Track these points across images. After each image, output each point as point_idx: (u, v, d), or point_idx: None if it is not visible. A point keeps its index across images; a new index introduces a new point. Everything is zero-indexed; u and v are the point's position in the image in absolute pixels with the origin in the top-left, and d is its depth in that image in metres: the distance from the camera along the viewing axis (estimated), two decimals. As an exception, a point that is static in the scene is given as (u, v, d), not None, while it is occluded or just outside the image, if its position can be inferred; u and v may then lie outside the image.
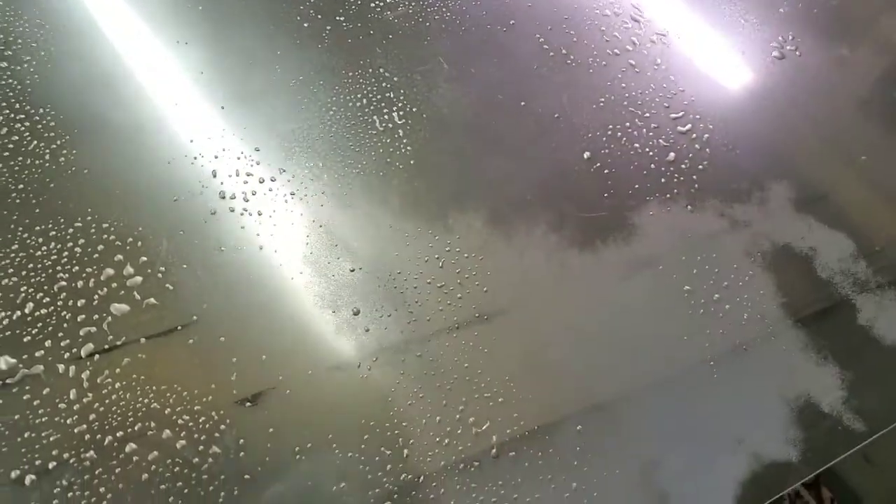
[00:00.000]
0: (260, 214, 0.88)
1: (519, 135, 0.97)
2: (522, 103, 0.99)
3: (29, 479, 0.73)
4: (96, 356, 0.79)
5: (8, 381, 0.77)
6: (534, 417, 0.81)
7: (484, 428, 0.80)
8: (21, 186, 0.86)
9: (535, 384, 0.83)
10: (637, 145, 0.98)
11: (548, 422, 0.82)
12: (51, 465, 0.74)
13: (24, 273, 0.82)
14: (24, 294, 0.81)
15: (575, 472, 0.80)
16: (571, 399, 0.83)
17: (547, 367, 0.84)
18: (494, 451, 0.80)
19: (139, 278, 0.83)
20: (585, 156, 0.97)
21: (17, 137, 0.89)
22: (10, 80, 0.90)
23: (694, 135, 1.00)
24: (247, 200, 0.88)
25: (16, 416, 0.76)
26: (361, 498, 0.76)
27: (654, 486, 0.80)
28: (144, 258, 0.84)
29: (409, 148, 0.94)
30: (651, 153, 0.98)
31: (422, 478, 0.78)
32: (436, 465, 0.78)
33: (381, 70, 0.98)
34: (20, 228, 0.84)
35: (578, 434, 0.82)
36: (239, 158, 0.90)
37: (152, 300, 0.83)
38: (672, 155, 0.98)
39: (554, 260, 0.90)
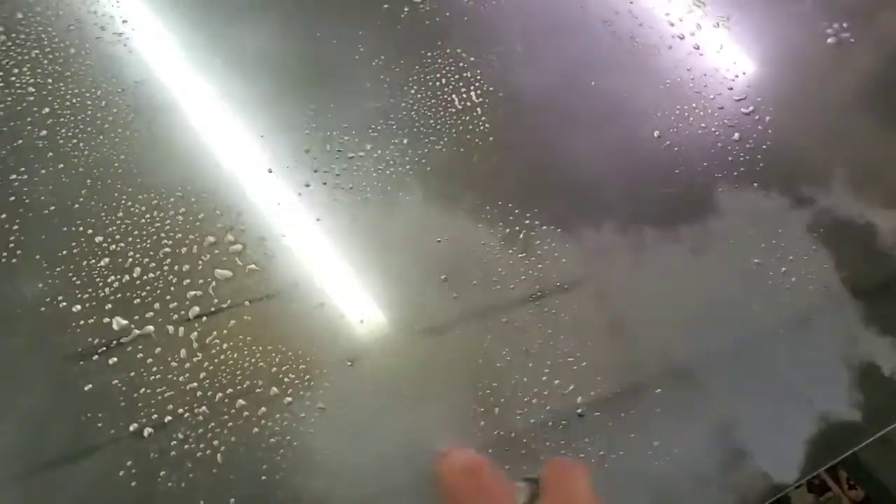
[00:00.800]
0: (351, 188, 0.92)
1: (591, 113, 1.01)
2: (593, 83, 1.03)
3: (147, 431, 0.78)
4: (203, 318, 0.84)
5: (122, 340, 0.81)
6: (616, 381, 0.86)
7: (569, 390, 0.85)
8: (123, 157, 0.90)
9: (616, 350, 0.88)
10: (703, 125, 1.03)
11: (629, 385, 0.86)
12: (166, 419, 0.79)
13: (129, 239, 0.86)
14: (131, 259, 0.85)
15: (655, 431, 0.85)
16: (651, 364, 0.88)
17: (626, 334, 0.89)
18: (580, 410, 0.84)
19: (239, 246, 0.88)
20: (655, 134, 1.01)
21: (116, 110, 0.93)
22: (107, 54, 0.94)
23: (757, 116, 1.04)
24: (338, 175, 0.93)
25: (131, 374, 0.80)
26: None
27: (731, 444, 0.85)
28: (243, 227, 0.89)
29: (487, 125, 0.98)
30: (717, 132, 1.03)
31: (513, 433, 0.82)
32: (526, 423, 0.83)
33: (459, 51, 1.02)
34: (124, 197, 0.88)
35: (658, 396, 0.86)
36: (328, 134, 0.94)
37: (253, 266, 0.87)
38: (737, 135, 1.03)
39: (629, 232, 0.95)
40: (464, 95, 0.99)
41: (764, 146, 1.02)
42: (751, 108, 1.04)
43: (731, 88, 1.06)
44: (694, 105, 1.03)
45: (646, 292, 0.91)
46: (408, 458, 0.80)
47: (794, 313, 0.93)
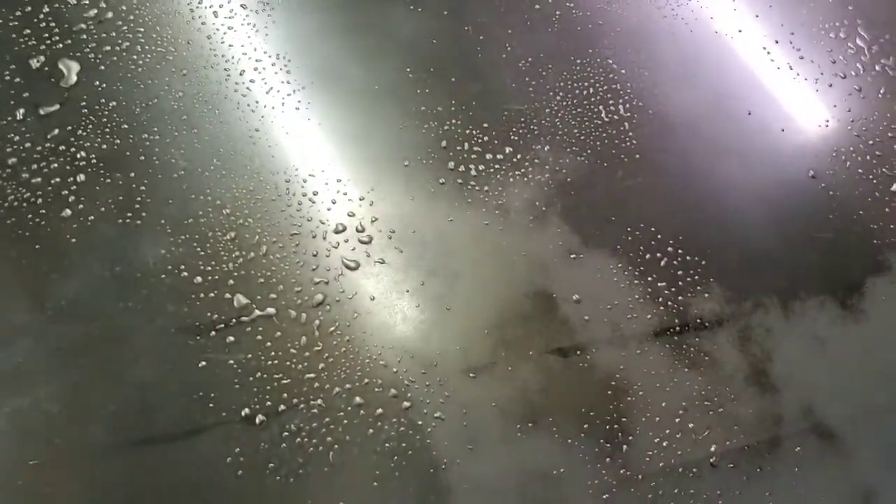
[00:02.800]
0: (486, 190, 0.87)
1: (744, 144, 0.95)
2: (749, 113, 0.97)
3: (259, 418, 0.74)
4: (328, 307, 0.79)
5: (242, 318, 0.77)
6: (754, 433, 0.80)
7: (704, 435, 0.79)
8: (258, 131, 0.87)
9: (757, 399, 0.81)
10: (861, 171, 0.96)
11: (768, 439, 0.80)
12: (280, 408, 0.75)
13: (258, 216, 0.83)
14: (258, 236, 0.81)
15: (791, 491, 0.78)
16: (793, 419, 0.81)
17: (770, 383, 0.83)
18: (713, 459, 0.78)
19: (369, 237, 0.83)
20: (810, 174, 0.95)
21: (254, 81, 0.90)
22: (250, 23, 0.91)
23: (918, 168, 0.98)
24: (474, 176, 0.88)
25: (248, 355, 0.76)
26: (580, 486, 0.75)
27: (875, 516, 0.78)
28: (375, 218, 0.84)
29: (634, 142, 0.93)
30: (875, 181, 0.96)
31: (640, 476, 0.76)
32: (654, 466, 0.77)
33: (609, 61, 0.97)
34: (256, 172, 0.85)
35: (797, 454, 0.80)
36: (468, 131, 0.90)
37: (382, 260, 0.83)
38: (895, 186, 0.96)
39: (779, 275, 0.88)
40: (611, 108, 0.94)
41: (925, 201, 0.95)
42: (914, 159, 0.97)
43: (893, 136, 0.99)
44: (852, 149, 0.97)
45: (794, 340, 0.85)
46: (520, 485, 0.75)
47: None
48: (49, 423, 0.71)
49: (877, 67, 1.02)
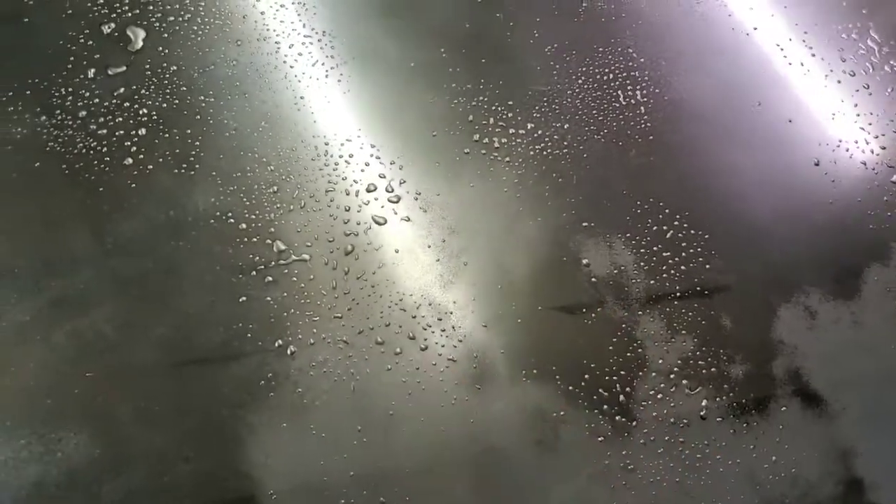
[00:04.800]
0: (508, 160, 0.95)
1: (752, 133, 1.02)
2: (759, 104, 1.04)
3: (291, 349, 0.82)
4: (358, 257, 0.87)
5: (280, 262, 0.86)
6: (743, 392, 0.86)
7: (695, 391, 0.85)
8: (302, 98, 0.96)
9: (749, 362, 0.88)
10: (863, 162, 1.02)
11: (755, 397, 0.86)
12: (310, 342, 0.83)
13: (299, 174, 0.92)
14: (298, 192, 0.90)
15: (776, 447, 0.84)
16: (782, 380, 0.87)
17: (762, 347, 0.89)
18: (703, 413, 0.85)
19: (397, 196, 0.91)
20: (814, 162, 1.01)
21: (301, 54, 0.99)
22: (300, 2, 1.00)
23: (921, 162, 1.03)
24: (496, 147, 0.96)
25: (284, 294, 0.85)
26: (578, 427, 0.82)
27: (850, 471, 0.84)
28: (403, 180, 0.92)
29: (648, 124, 1.00)
30: (876, 172, 1.02)
31: (634, 423, 0.83)
32: (648, 415, 0.84)
33: (630, 50, 1.04)
34: (298, 135, 0.94)
35: (782, 414, 0.86)
36: (493, 108, 0.98)
37: (408, 218, 0.91)
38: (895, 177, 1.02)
39: (777, 250, 0.95)
40: (629, 93, 1.01)
41: (924, 193, 1.01)
42: (917, 154, 1.03)
43: (897, 131, 1.05)
44: (856, 141, 1.03)
45: (787, 311, 0.91)
46: (521, 423, 0.82)
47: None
48: (103, 342, 0.80)
49: (886, 68, 1.08)
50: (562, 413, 0.82)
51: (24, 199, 0.87)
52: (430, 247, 0.89)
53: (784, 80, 1.05)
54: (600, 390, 0.84)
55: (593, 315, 0.88)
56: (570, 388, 0.84)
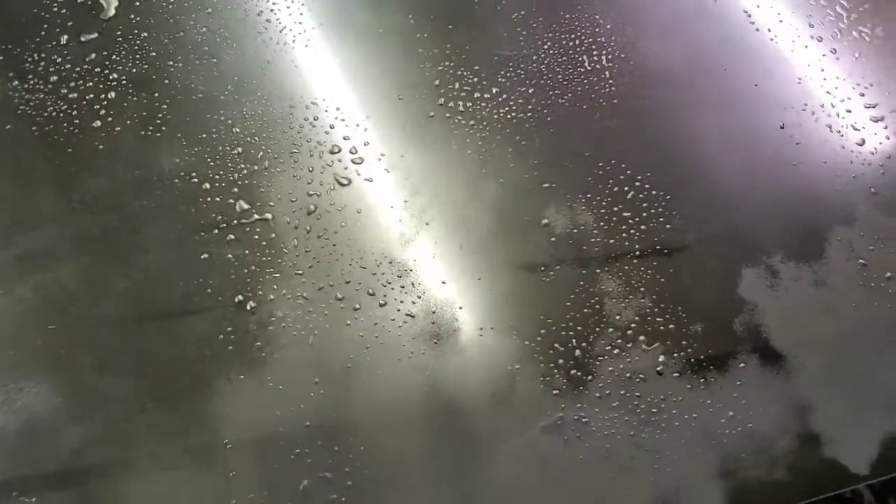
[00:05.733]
0: (472, 124, 0.96)
1: (718, 97, 1.02)
2: (724, 69, 1.04)
3: (250, 304, 0.83)
4: (318, 217, 0.89)
5: (242, 221, 0.87)
6: (701, 348, 0.87)
7: (653, 347, 0.86)
8: (268, 62, 0.97)
9: (706, 319, 0.88)
10: (829, 124, 1.02)
11: (713, 354, 0.87)
12: (270, 297, 0.84)
13: (264, 135, 0.93)
14: (262, 152, 0.92)
15: (733, 402, 0.85)
16: (741, 338, 0.88)
17: (721, 304, 0.89)
18: (660, 368, 0.85)
19: (361, 158, 0.93)
20: (780, 125, 1.01)
21: (269, 21, 1.00)
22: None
23: (885, 125, 1.03)
24: (461, 111, 0.97)
25: (245, 251, 0.86)
26: (533, 381, 0.83)
27: (807, 427, 0.84)
28: (368, 143, 0.94)
29: (613, 88, 1.01)
30: (842, 134, 1.02)
31: (590, 377, 0.84)
32: (604, 370, 0.85)
33: (597, 17, 1.05)
34: (265, 98, 0.95)
35: (741, 369, 0.87)
36: (459, 72, 0.99)
37: (371, 179, 0.92)
38: (861, 139, 1.02)
39: (740, 212, 0.95)
40: (594, 58, 1.02)
41: (889, 156, 1.01)
42: (881, 116, 1.03)
43: (863, 95, 1.05)
44: (822, 104, 1.03)
45: (748, 270, 0.91)
46: (477, 377, 0.83)
47: (896, 319, 0.92)
48: (66, 296, 0.82)
49: (854, 33, 1.08)
50: (517, 367, 0.83)
51: (-7, 161, 0.89)
52: (392, 207, 0.90)
53: (751, 46, 1.06)
54: (556, 345, 0.85)
55: (552, 273, 0.88)
56: (527, 342, 0.85)
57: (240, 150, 0.91)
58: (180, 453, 0.76)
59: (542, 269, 0.88)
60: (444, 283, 0.86)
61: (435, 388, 0.82)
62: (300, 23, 0.99)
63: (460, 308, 0.85)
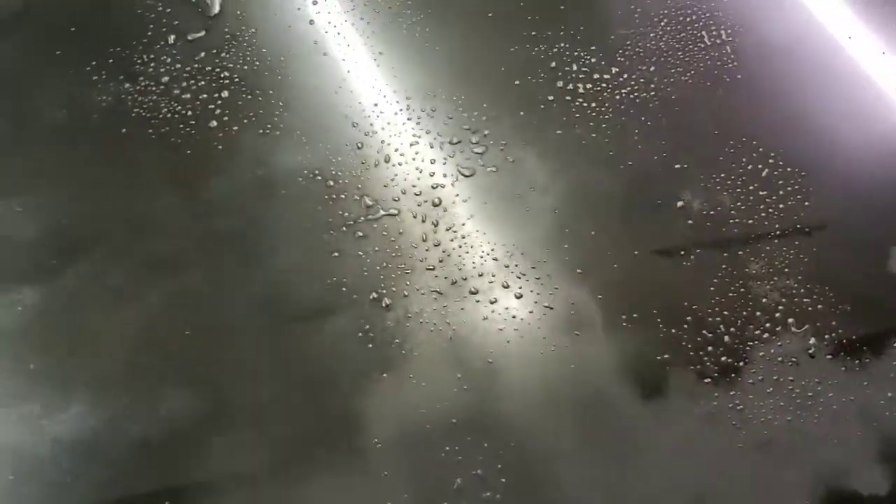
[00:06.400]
0: (594, 106, 0.93)
1: (843, 67, 0.98)
2: (849, 37, 1.00)
3: (386, 301, 0.81)
4: (444, 209, 0.86)
5: (370, 217, 0.85)
6: (854, 328, 0.83)
7: (803, 329, 0.82)
8: (381, 53, 0.95)
9: (855, 297, 0.84)
10: None
11: (865, 334, 0.83)
12: (405, 294, 0.82)
13: (382, 128, 0.91)
14: (383, 145, 0.89)
15: (892, 383, 0.81)
16: (894, 314, 0.84)
17: (872, 280, 0.85)
18: (811, 351, 0.81)
19: (482, 148, 0.90)
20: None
21: (378, 11, 0.98)
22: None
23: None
24: (581, 93, 0.93)
25: (375, 248, 0.84)
26: (684, 369, 0.80)
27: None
28: (487, 132, 0.91)
29: (735, 63, 0.97)
30: None
31: (742, 363, 0.80)
32: (755, 355, 0.81)
33: (712, -10, 1.01)
34: (380, 90, 0.93)
35: (897, 350, 0.82)
36: (576, 53, 0.96)
37: (495, 168, 0.89)
38: None
39: (873, 190, 0.91)
40: (713, 33, 0.98)
41: None
42: None
43: None
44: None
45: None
46: (622, 367, 0.80)
47: None
48: (198, 301, 0.81)
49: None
50: (665, 356, 0.80)
51: (112, 165, 0.88)
52: (518, 196, 0.88)
53: (875, 12, 1.01)
54: (704, 332, 0.81)
55: (692, 257, 0.85)
56: (673, 330, 0.81)
57: (359, 144, 0.89)
58: (331, 455, 0.74)
59: (681, 253, 0.85)
60: (579, 271, 0.83)
61: (582, 381, 0.79)
62: (408, 11, 0.97)
63: (599, 297, 0.82)
